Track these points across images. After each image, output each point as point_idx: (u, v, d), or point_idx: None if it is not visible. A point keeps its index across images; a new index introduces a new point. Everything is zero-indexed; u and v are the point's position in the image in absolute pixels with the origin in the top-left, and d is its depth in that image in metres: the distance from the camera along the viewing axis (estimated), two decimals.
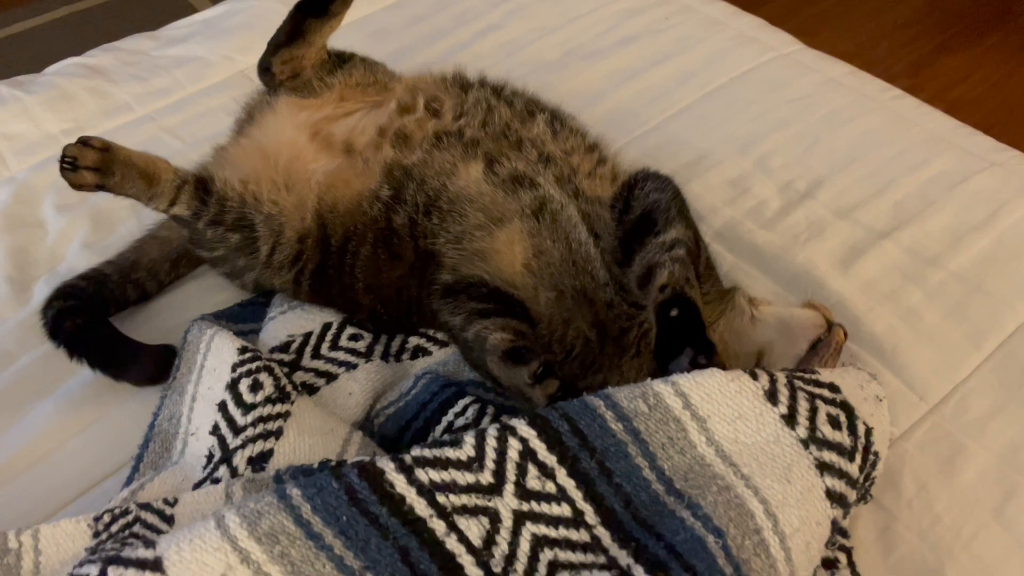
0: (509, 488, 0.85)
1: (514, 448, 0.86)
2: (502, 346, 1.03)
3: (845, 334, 1.08)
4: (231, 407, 1.03)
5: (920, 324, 1.24)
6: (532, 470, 0.85)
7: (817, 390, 0.93)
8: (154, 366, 1.18)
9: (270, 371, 1.06)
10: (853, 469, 0.89)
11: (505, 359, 1.02)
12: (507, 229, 1.14)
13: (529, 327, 1.10)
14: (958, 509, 1.04)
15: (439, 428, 1.05)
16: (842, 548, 0.97)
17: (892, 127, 1.57)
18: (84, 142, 1.09)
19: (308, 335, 1.18)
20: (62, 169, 1.08)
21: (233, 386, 1.04)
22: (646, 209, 1.14)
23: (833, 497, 0.87)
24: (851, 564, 0.96)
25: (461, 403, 1.05)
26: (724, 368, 0.92)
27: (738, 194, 1.46)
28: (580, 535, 0.84)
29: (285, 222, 1.18)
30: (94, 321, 1.21)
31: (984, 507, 1.04)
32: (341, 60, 1.36)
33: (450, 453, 0.85)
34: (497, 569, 0.82)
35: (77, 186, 1.10)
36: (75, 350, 1.17)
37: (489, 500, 0.84)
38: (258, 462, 0.99)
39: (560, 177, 1.20)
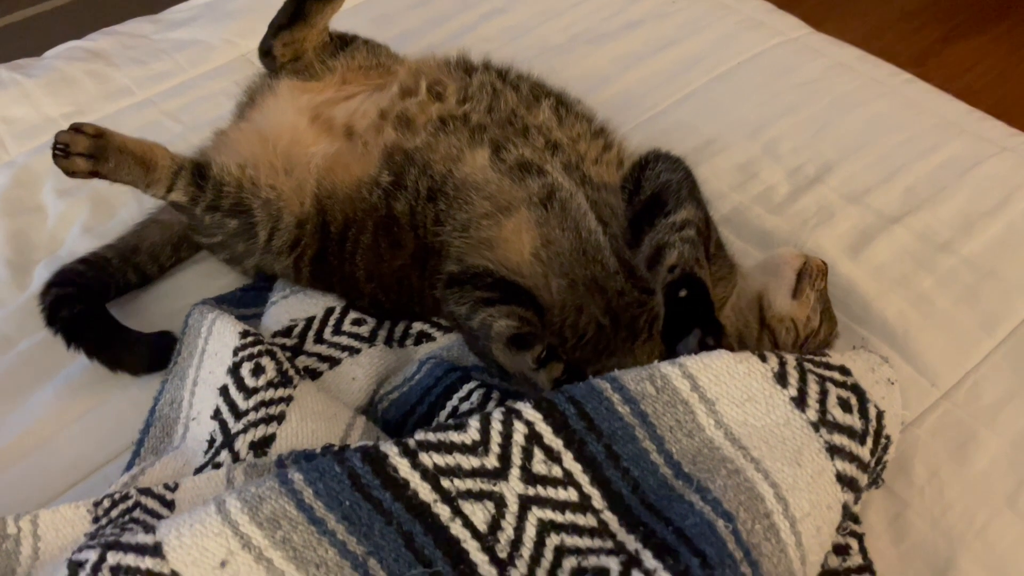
0: (515, 472, 0.83)
1: (519, 432, 0.85)
2: (506, 333, 1.02)
3: (823, 262, 1.13)
4: (233, 391, 1.02)
5: (931, 310, 1.23)
6: (538, 454, 0.84)
7: (827, 373, 0.91)
8: (151, 355, 1.17)
9: (272, 355, 1.05)
10: (864, 453, 0.88)
11: (509, 345, 1.01)
12: (515, 218, 1.13)
13: (535, 314, 1.09)
14: (970, 497, 1.03)
15: (444, 413, 1.03)
16: (853, 534, 0.95)
17: (902, 112, 1.55)
18: (76, 128, 1.08)
19: (311, 319, 1.17)
20: (54, 156, 1.07)
21: (235, 370, 1.03)
22: (656, 189, 1.13)
23: (844, 481, 0.85)
24: (862, 550, 0.95)
25: (466, 387, 1.04)
26: (733, 351, 0.90)
27: (746, 179, 1.44)
28: (587, 520, 0.82)
29: (283, 207, 1.16)
30: (91, 309, 1.19)
31: (997, 495, 1.03)
32: (343, 42, 1.35)
33: (454, 437, 0.84)
34: (502, 554, 0.80)
35: (70, 173, 1.09)
36: (72, 338, 1.16)
37: (494, 484, 0.83)
38: (260, 447, 0.98)
39: (567, 164, 1.19)
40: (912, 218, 1.35)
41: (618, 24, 1.76)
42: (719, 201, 1.39)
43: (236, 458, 0.97)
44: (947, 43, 2.90)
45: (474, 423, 0.85)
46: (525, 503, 0.82)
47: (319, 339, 1.15)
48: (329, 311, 1.18)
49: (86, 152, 1.07)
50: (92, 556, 0.78)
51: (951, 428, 1.10)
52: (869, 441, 0.89)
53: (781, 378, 0.88)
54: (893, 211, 1.36)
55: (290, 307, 1.19)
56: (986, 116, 1.56)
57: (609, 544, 0.81)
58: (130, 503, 0.92)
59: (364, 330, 1.17)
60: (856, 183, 1.41)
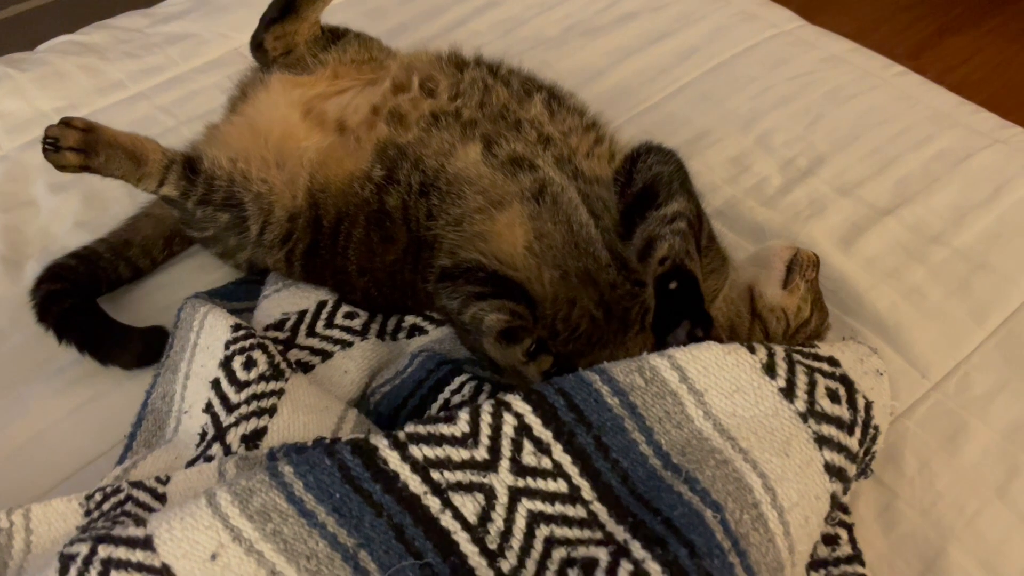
0: (504, 464, 0.83)
1: (509, 424, 0.85)
2: (497, 326, 1.02)
3: (814, 254, 1.13)
4: (224, 384, 1.02)
5: (923, 301, 1.23)
6: (527, 446, 0.84)
7: (816, 364, 0.92)
8: (142, 350, 1.17)
9: (264, 348, 1.04)
10: (852, 443, 0.88)
11: (500, 339, 1.01)
12: (507, 212, 1.12)
13: (527, 308, 1.09)
14: (960, 487, 1.03)
15: (435, 406, 1.03)
16: (842, 524, 0.96)
17: (895, 104, 1.55)
18: (66, 122, 1.08)
19: (303, 313, 1.17)
20: (44, 150, 1.07)
21: (226, 363, 1.03)
22: (648, 181, 1.13)
23: (832, 471, 0.86)
24: (852, 540, 0.95)
25: (457, 380, 1.04)
26: (723, 342, 0.90)
27: (739, 172, 1.44)
28: (576, 511, 0.83)
29: (275, 201, 1.16)
30: (82, 304, 1.20)
31: (987, 485, 1.03)
32: (335, 36, 1.34)
33: (444, 429, 0.84)
34: (492, 546, 0.81)
35: (60, 167, 1.09)
36: (63, 333, 1.17)
37: (484, 476, 0.83)
38: (252, 440, 0.97)
39: (559, 158, 1.19)
40: (904, 210, 1.35)
41: (612, 17, 1.76)
42: (712, 194, 1.39)
43: (228, 451, 0.97)
44: (942, 36, 2.89)
45: (464, 415, 0.85)
46: (515, 494, 0.82)
47: (311, 332, 1.15)
48: (321, 305, 1.18)
49: (76, 146, 1.07)
50: (83, 549, 0.78)
51: (941, 419, 1.10)
52: (857, 431, 0.89)
53: (770, 369, 0.89)
54: (885, 203, 1.37)
55: (282, 301, 1.19)
56: (978, 108, 1.56)
57: (598, 535, 0.81)
58: (121, 496, 0.92)
59: (356, 323, 1.17)
60: (848, 175, 1.41)
